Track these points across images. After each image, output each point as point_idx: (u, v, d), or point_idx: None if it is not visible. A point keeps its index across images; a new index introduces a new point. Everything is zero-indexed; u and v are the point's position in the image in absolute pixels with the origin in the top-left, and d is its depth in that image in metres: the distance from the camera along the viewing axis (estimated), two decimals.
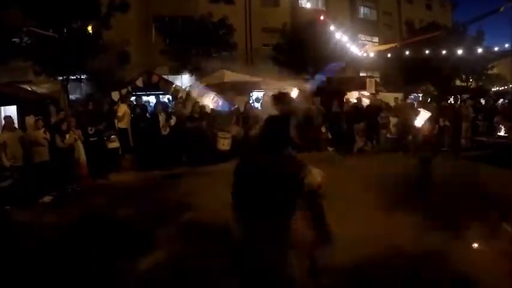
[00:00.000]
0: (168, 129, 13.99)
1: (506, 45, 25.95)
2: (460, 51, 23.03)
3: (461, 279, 5.44)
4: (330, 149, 14.54)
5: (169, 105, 16.82)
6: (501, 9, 14.27)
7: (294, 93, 11.14)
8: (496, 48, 27.48)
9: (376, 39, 39.75)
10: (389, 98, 20.68)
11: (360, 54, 21.09)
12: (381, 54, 24.55)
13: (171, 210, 8.61)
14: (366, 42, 37.94)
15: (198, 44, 24.03)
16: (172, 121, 14.10)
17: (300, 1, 33.12)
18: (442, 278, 5.55)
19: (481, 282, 5.28)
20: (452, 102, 25.35)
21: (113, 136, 12.63)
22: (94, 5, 18.71)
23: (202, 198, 9.33)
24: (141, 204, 9.23)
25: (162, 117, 14.12)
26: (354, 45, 20.05)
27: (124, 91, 15.73)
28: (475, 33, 33.07)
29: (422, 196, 8.05)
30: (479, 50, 25.39)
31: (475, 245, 6.56)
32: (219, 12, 26.69)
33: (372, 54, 23.09)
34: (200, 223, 7.75)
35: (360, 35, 37.49)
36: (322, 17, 15.63)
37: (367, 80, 23.19)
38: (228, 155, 14.04)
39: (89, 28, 18.72)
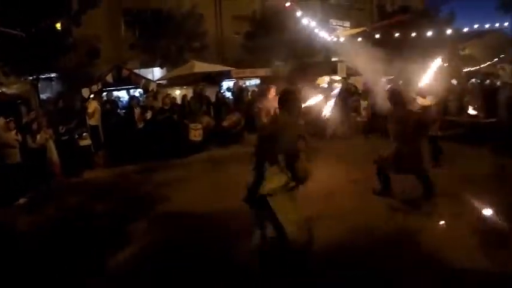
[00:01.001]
0: (143, 123, 14.03)
1: (476, 26, 26.52)
2: (430, 33, 23.34)
3: (431, 256, 5.71)
4: None
5: (141, 98, 16.89)
6: None
7: None
8: (466, 29, 27.98)
9: (347, 24, 39.61)
10: (361, 81, 21.02)
11: (329, 39, 21.30)
12: (352, 38, 24.83)
13: (146, 204, 8.72)
14: (338, 27, 38.05)
15: (168, 36, 23.97)
16: (148, 115, 14.14)
17: None
18: (412, 256, 5.80)
19: (450, 258, 5.57)
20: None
21: (84, 134, 12.69)
22: (64, 2, 18.55)
23: (176, 191, 9.58)
24: (116, 200, 9.36)
25: (137, 111, 14.16)
26: (324, 30, 20.22)
27: (94, 87, 15.78)
28: (446, 15, 33.68)
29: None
30: (449, 32, 25.70)
31: (444, 222, 6.86)
32: (189, 2, 26.63)
33: (342, 39, 23.32)
34: (176, 215, 7.98)
35: (331, 20, 37.63)
36: (288, 4, 15.73)
37: (338, 64, 23.53)
38: (200, 146, 14.32)
39: (58, 26, 18.55)
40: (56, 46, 18.16)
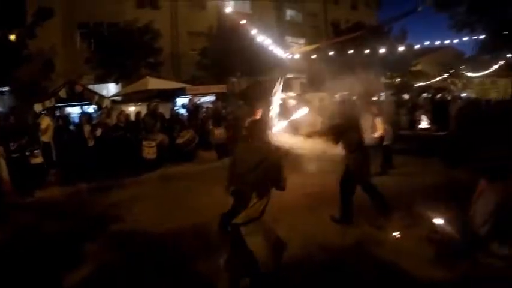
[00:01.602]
0: (93, 141, 13.86)
1: (426, 43, 27.47)
2: (383, 50, 23.91)
3: (385, 267, 5.99)
4: None
5: (94, 115, 16.68)
6: (419, 9, 15.03)
7: None
8: (417, 46, 28.88)
9: (302, 41, 40.46)
10: (316, 98, 21.49)
11: (284, 56, 21.64)
12: (306, 55, 25.27)
13: (99, 224, 8.62)
14: (293, 44, 38.68)
15: (124, 50, 23.85)
16: (98, 132, 13.94)
17: (225, 4, 33.35)
18: (366, 268, 6.04)
19: (404, 269, 5.84)
20: (376, 98, 26.51)
21: (36, 151, 12.45)
22: (19, 14, 18.27)
23: (129, 210, 9.53)
24: (69, 219, 9.13)
25: (87, 129, 13.93)
26: (279, 47, 20.54)
27: (47, 103, 15.61)
28: (399, 32, 34.75)
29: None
30: (401, 49, 26.38)
31: (398, 233, 7.09)
32: (145, 17, 26.62)
33: (297, 56, 23.70)
34: (130, 235, 7.96)
35: (286, 37, 38.26)
36: (243, 22, 15.99)
37: (293, 81, 23.99)
38: (154, 164, 14.28)
39: (12, 37, 18.23)
40: (9, 58, 17.85)
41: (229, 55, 24.57)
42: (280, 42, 27.16)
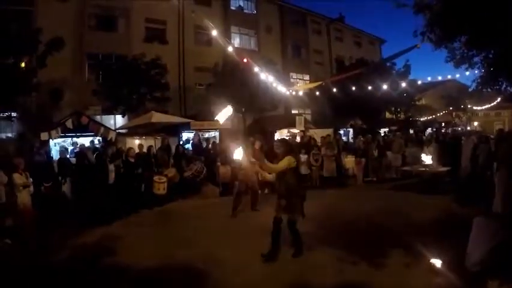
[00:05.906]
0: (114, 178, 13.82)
1: (429, 78, 28.18)
2: (385, 86, 24.25)
3: None
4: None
5: (98, 147, 17.00)
6: (418, 46, 15.52)
7: None
8: (420, 82, 29.47)
9: (307, 77, 42.06)
10: (319, 134, 21.90)
11: (287, 93, 22.10)
12: (311, 91, 25.74)
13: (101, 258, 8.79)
14: (298, 80, 39.55)
15: (130, 84, 24.24)
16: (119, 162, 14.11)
17: (232, 41, 34.08)
18: None
19: None
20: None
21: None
22: (31, 42, 18.69)
23: (130, 245, 9.77)
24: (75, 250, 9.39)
25: (111, 166, 13.80)
26: (282, 84, 20.98)
27: (53, 133, 15.94)
28: (402, 67, 35.23)
29: None
30: (404, 84, 26.71)
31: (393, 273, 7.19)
32: (153, 51, 27.20)
33: (300, 93, 24.15)
34: (124, 270, 8.02)
35: (291, 73, 39.08)
36: (245, 60, 16.39)
37: (297, 117, 24.34)
38: (164, 199, 14.54)
39: (22, 64, 18.53)
40: (19, 85, 18.15)
41: (234, 91, 25.03)
42: (284, 78, 27.70)
